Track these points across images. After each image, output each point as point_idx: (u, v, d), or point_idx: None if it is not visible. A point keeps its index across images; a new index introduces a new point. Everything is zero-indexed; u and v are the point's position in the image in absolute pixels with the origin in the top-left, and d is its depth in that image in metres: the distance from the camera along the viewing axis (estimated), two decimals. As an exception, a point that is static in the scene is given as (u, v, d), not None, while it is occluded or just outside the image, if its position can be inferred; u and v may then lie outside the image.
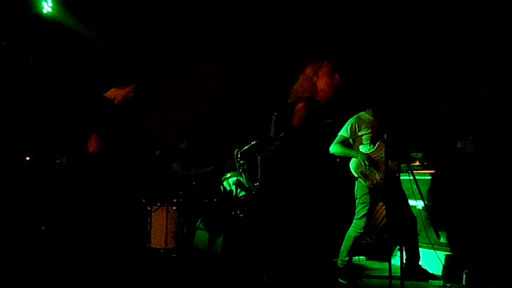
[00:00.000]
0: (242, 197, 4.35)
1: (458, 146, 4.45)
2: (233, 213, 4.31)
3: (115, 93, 3.31)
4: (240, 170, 4.36)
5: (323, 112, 2.76)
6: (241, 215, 4.24)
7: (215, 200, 4.47)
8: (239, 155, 4.37)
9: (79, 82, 5.29)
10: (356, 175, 4.13)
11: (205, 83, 6.17)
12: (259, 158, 4.38)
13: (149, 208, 4.15)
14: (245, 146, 4.36)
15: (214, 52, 6.06)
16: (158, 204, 4.21)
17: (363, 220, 4.09)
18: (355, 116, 4.25)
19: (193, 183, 4.57)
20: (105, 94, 3.33)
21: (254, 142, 4.36)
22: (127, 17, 5.47)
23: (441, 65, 5.36)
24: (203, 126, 5.38)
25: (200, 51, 6.05)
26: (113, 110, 3.23)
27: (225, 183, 4.55)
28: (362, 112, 4.25)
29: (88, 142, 3.10)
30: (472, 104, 4.60)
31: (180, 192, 4.29)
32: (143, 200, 4.03)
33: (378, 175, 4.05)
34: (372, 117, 4.20)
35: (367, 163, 4.05)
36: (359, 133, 4.16)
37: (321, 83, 2.60)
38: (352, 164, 4.17)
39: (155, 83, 3.53)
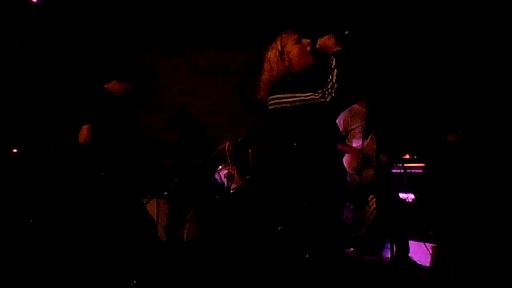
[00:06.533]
0: (234, 190, 4.33)
1: (448, 140, 4.48)
2: (224, 205, 4.29)
3: (116, 86, 3.17)
4: (232, 163, 4.34)
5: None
6: (232, 208, 4.23)
7: (206, 192, 4.45)
8: (230, 148, 4.34)
9: (73, 71, 5.15)
10: (349, 171, 4.12)
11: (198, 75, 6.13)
12: (250, 151, 4.36)
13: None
14: (238, 139, 4.34)
15: (208, 43, 5.99)
16: (149, 197, 4.18)
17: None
18: (347, 109, 4.23)
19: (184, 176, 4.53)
20: (106, 85, 3.19)
21: (244, 136, 4.35)
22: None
23: (433, 59, 5.39)
24: (192, 119, 5.33)
25: (193, 42, 5.97)
26: (110, 102, 3.09)
27: (216, 175, 4.53)
28: (355, 105, 4.23)
29: (79, 132, 2.95)
30: (463, 98, 4.63)
31: (171, 185, 4.26)
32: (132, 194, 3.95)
33: (372, 170, 4.04)
34: (365, 109, 4.18)
35: (360, 157, 4.04)
36: (352, 127, 4.15)
37: (293, 54, 2.41)
38: (346, 159, 4.17)
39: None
